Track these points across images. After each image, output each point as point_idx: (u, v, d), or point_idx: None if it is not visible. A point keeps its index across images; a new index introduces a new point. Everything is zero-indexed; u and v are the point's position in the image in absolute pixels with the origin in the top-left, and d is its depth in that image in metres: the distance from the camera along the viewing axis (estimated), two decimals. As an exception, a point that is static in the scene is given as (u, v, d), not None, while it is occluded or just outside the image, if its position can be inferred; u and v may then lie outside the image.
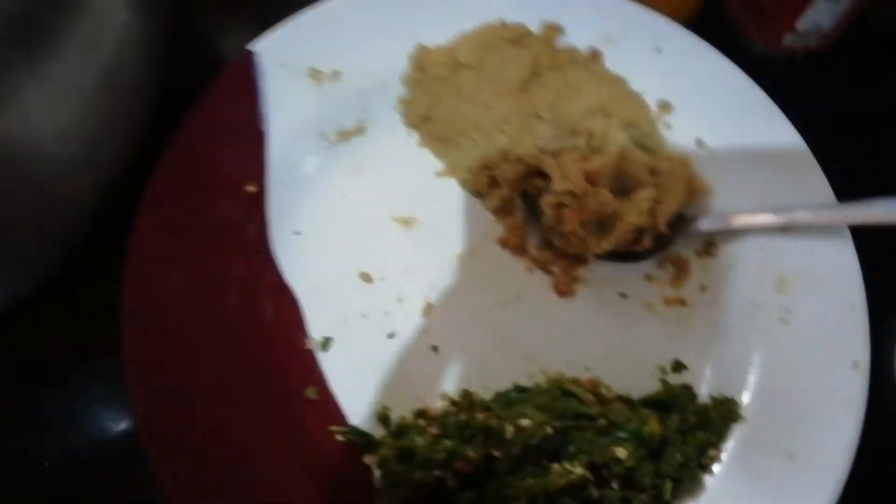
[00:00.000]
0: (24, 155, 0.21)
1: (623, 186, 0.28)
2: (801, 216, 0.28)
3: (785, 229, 0.28)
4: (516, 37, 0.30)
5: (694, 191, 0.29)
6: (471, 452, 0.24)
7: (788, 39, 0.32)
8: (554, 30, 0.31)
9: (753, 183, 0.29)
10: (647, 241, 0.29)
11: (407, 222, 0.30)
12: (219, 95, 0.28)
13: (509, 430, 0.25)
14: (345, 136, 0.30)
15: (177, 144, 0.26)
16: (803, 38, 0.32)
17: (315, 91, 0.30)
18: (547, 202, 0.28)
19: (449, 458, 0.24)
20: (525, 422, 0.25)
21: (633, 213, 0.27)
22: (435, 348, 0.28)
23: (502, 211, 0.30)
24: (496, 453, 0.25)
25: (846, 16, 0.31)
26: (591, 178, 0.27)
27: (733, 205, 0.29)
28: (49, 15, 0.20)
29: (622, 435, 0.26)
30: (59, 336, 0.29)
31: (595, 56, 0.31)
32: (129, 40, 0.24)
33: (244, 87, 0.28)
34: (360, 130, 0.30)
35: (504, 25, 0.31)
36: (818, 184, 0.29)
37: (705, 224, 0.29)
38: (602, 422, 0.26)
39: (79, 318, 0.29)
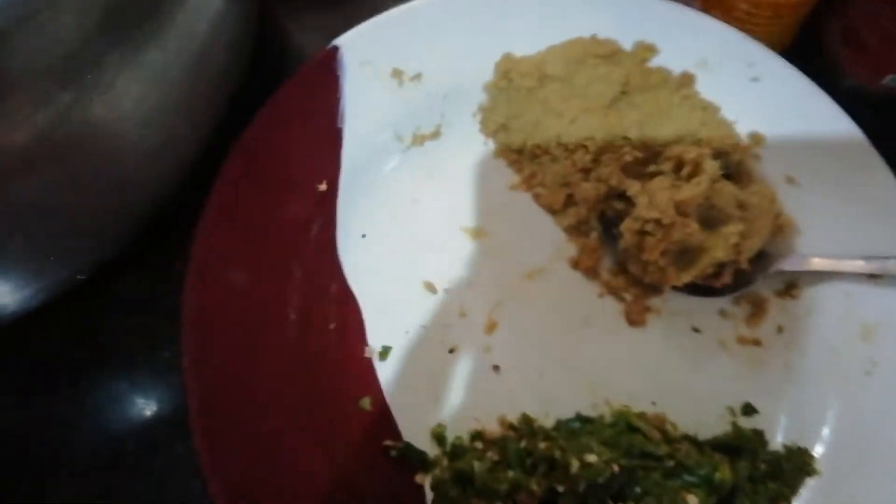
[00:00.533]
0: (110, 138, 0.20)
1: (709, 218, 0.27)
2: (894, 265, 0.26)
3: (873, 276, 0.27)
4: (608, 53, 0.29)
5: (780, 228, 0.28)
6: (535, 486, 0.23)
7: (888, 79, 0.30)
8: (648, 49, 0.29)
9: (843, 226, 0.28)
10: (726, 277, 0.27)
11: (476, 234, 0.29)
12: (298, 89, 0.27)
13: (575, 464, 0.23)
14: (420, 139, 0.29)
15: (251, 136, 0.26)
16: None
17: (395, 92, 0.29)
18: (628, 227, 0.27)
19: (511, 489, 0.23)
20: (592, 457, 0.24)
21: (720, 248, 0.26)
22: (496, 368, 0.27)
23: (577, 231, 0.29)
24: (560, 488, 0.23)
25: None
26: (680, 208, 0.26)
27: (820, 246, 0.28)
28: (150, 2, 0.20)
29: (692, 479, 0.24)
30: (101, 329, 0.28)
31: (688, 79, 0.29)
32: (220, 29, 0.23)
33: (325, 82, 0.27)
34: (436, 135, 0.29)
35: (596, 40, 0.29)
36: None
37: (789, 264, 0.28)
38: (670, 463, 0.25)
39: (126, 310, 0.28)
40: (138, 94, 0.20)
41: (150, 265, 0.27)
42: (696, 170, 0.27)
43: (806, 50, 0.33)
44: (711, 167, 0.26)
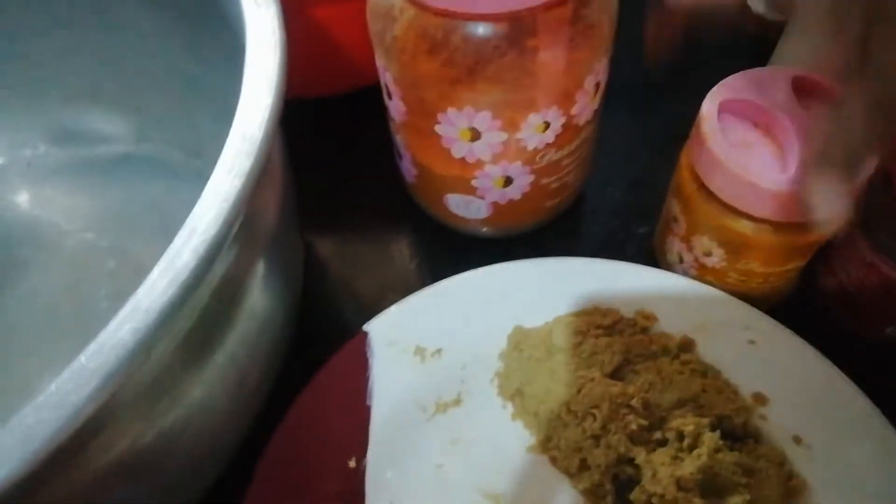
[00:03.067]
0: (174, 446, 0.23)
1: (715, 487, 0.28)
2: (914, 537, 0.26)
3: (896, 548, 0.27)
4: (610, 323, 0.32)
5: (792, 490, 0.29)
6: None
7: (889, 330, 0.32)
8: (647, 318, 0.32)
9: (856, 486, 0.28)
10: (742, 544, 0.28)
11: (497, 499, 0.30)
12: (332, 375, 0.31)
13: None
14: (443, 407, 0.32)
15: (288, 425, 0.29)
16: None
17: (419, 367, 0.32)
18: (636, 498, 0.28)
19: None
20: None
21: (727, 520, 0.27)
22: None
23: (593, 494, 0.30)
24: None
25: None
26: (681, 484, 0.27)
27: (837, 511, 0.28)
28: (210, 330, 0.24)
29: None
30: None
31: (688, 344, 0.32)
32: (267, 336, 0.27)
33: (356, 365, 0.31)
34: (457, 402, 0.32)
35: (598, 310, 0.33)
36: (931, 501, 0.27)
37: (806, 531, 0.28)
38: None
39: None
40: (199, 402, 0.24)
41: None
42: (696, 442, 0.28)
43: (806, 305, 0.35)
44: (710, 439, 0.28)
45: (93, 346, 0.16)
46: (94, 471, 0.20)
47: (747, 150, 0.29)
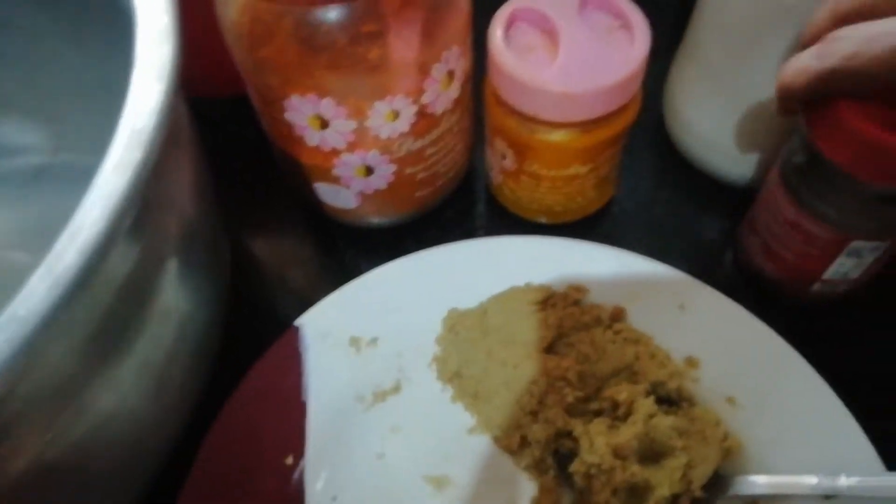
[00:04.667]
0: (94, 447, 0.22)
1: (654, 452, 0.28)
2: (845, 483, 0.27)
3: (829, 497, 0.27)
4: (542, 298, 0.32)
5: (729, 450, 0.29)
6: None
7: (816, 287, 0.32)
8: (579, 290, 0.32)
9: (792, 444, 0.29)
10: (684, 506, 0.28)
11: (440, 483, 0.30)
12: (265, 372, 0.30)
13: None
14: (381, 396, 0.32)
15: (221, 426, 0.29)
16: (831, 287, 0.32)
17: (354, 357, 0.32)
18: (576, 470, 0.28)
19: None
20: None
21: (665, 484, 0.27)
22: None
23: (535, 470, 0.30)
24: None
25: (876, 264, 0.31)
26: (618, 452, 0.27)
27: (772, 465, 0.28)
28: (118, 333, 0.23)
29: None
30: None
31: (619, 314, 0.32)
32: (186, 336, 0.26)
33: (289, 361, 0.31)
34: (396, 390, 0.32)
35: (531, 288, 0.33)
36: (862, 448, 0.28)
37: (741, 487, 0.28)
38: None
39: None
40: (112, 410, 0.23)
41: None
42: (630, 409, 0.28)
43: (739, 271, 0.36)
44: (644, 405, 0.28)
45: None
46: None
47: (528, 53, 0.31)
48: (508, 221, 0.39)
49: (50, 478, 0.21)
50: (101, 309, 0.20)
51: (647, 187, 0.40)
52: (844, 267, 0.31)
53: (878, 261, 0.31)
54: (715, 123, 0.36)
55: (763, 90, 0.32)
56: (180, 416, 0.27)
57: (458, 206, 0.40)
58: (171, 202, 0.24)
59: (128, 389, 0.22)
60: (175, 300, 0.25)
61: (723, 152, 0.36)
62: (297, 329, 0.31)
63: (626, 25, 0.31)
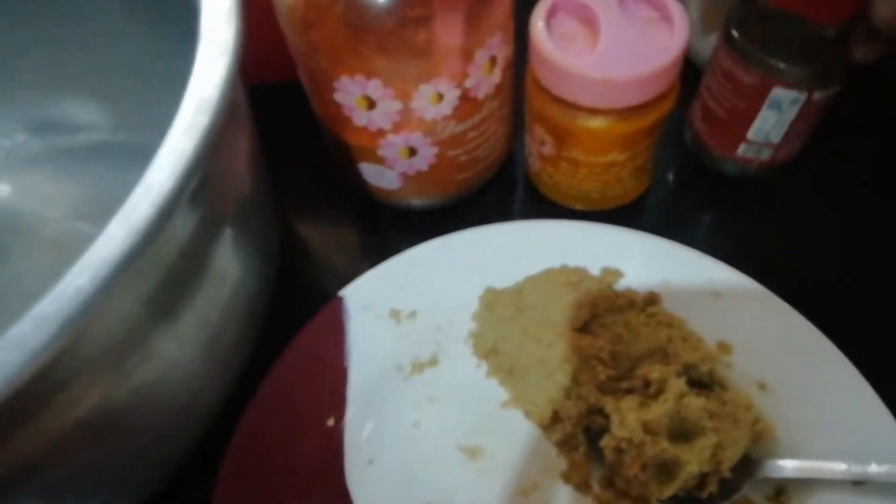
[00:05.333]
0: (148, 402, 0.24)
1: (684, 431, 0.29)
2: (875, 471, 0.27)
3: (858, 483, 0.28)
4: (577, 280, 0.33)
5: (759, 434, 0.29)
6: None
7: (742, 149, 0.34)
8: (613, 274, 0.33)
9: (823, 429, 0.29)
10: (711, 486, 0.28)
11: (474, 453, 0.31)
12: (309, 338, 0.31)
13: None
14: (419, 367, 0.33)
15: (268, 387, 0.30)
16: (755, 150, 0.35)
17: (394, 329, 0.33)
18: (606, 445, 0.29)
19: None
20: None
21: (694, 462, 0.28)
22: (497, 587, 0.29)
23: (566, 445, 0.31)
24: None
25: (798, 134, 0.34)
26: (648, 427, 0.28)
27: (803, 450, 0.29)
28: (178, 289, 0.24)
29: None
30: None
31: (653, 298, 0.33)
32: (238, 300, 0.28)
33: (332, 328, 0.32)
34: (433, 362, 0.33)
35: (566, 270, 0.33)
36: (892, 435, 0.28)
37: (770, 470, 0.29)
38: None
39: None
40: (171, 360, 0.25)
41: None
42: (662, 388, 0.29)
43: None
44: (676, 385, 0.29)
45: (52, 294, 0.17)
46: (68, 425, 0.21)
47: (569, 41, 0.32)
48: (546, 207, 0.39)
49: (114, 420, 0.22)
50: (166, 263, 0.22)
51: (678, 182, 0.40)
52: (767, 123, 0.33)
53: (796, 127, 0.33)
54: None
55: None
56: (232, 372, 0.28)
57: (498, 191, 0.41)
58: (230, 175, 0.26)
59: (186, 342, 0.24)
60: (229, 266, 0.26)
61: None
62: (340, 299, 0.33)
63: (666, 17, 0.31)
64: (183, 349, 0.24)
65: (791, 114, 0.33)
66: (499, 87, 0.34)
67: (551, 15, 0.33)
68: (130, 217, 0.18)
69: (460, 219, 0.38)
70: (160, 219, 0.19)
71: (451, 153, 0.34)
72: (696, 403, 0.29)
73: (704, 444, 0.28)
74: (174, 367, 0.24)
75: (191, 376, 0.25)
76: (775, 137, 0.34)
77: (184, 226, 0.22)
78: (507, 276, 0.34)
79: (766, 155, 0.35)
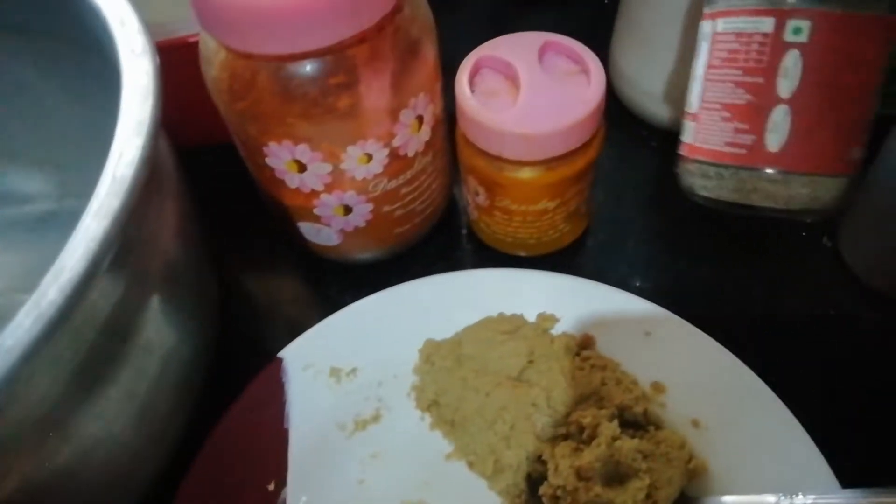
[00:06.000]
0: (77, 476, 0.24)
1: (619, 474, 0.29)
2: (802, 501, 0.27)
3: (789, 515, 0.28)
4: (513, 328, 0.34)
5: (694, 471, 0.30)
6: None
7: None
8: (549, 319, 0.34)
9: (754, 464, 0.30)
10: (651, 528, 0.29)
11: (418, 508, 0.31)
12: (248, 404, 0.32)
13: None
14: (362, 424, 0.33)
15: (205, 458, 0.30)
16: None
17: (335, 387, 0.33)
18: (543, 493, 0.29)
19: None
20: None
21: (629, 504, 0.28)
22: None
23: (509, 495, 0.31)
24: None
25: None
26: (581, 473, 0.28)
27: (735, 485, 0.29)
28: (102, 366, 0.25)
29: None
30: None
31: (588, 341, 0.33)
32: (169, 370, 0.28)
33: (272, 391, 0.32)
34: (376, 418, 0.33)
35: (503, 318, 0.34)
36: (818, 467, 0.29)
37: (708, 508, 0.29)
38: None
39: None
40: (96, 438, 0.25)
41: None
42: (595, 432, 0.30)
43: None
44: (608, 428, 0.29)
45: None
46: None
47: (492, 97, 0.33)
48: (489, 255, 0.40)
49: (37, 501, 0.22)
50: (85, 342, 0.22)
51: (624, 220, 0.42)
52: None
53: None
54: (648, 75, 0.42)
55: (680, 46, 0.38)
56: (165, 444, 0.28)
57: (441, 241, 0.41)
58: (154, 244, 0.26)
59: (112, 419, 0.24)
60: (158, 335, 0.26)
61: (654, 97, 0.42)
62: (279, 361, 0.33)
63: (584, 69, 0.33)
64: (109, 425, 0.24)
65: None
66: (428, 144, 0.35)
67: (475, 72, 0.34)
68: (39, 304, 0.19)
69: (404, 270, 0.39)
70: (69, 304, 0.19)
71: (385, 209, 0.35)
72: (628, 445, 0.29)
73: (638, 485, 0.28)
74: (100, 444, 0.24)
75: (120, 452, 0.25)
76: None
77: (103, 303, 0.23)
78: (447, 326, 0.34)
79: None
